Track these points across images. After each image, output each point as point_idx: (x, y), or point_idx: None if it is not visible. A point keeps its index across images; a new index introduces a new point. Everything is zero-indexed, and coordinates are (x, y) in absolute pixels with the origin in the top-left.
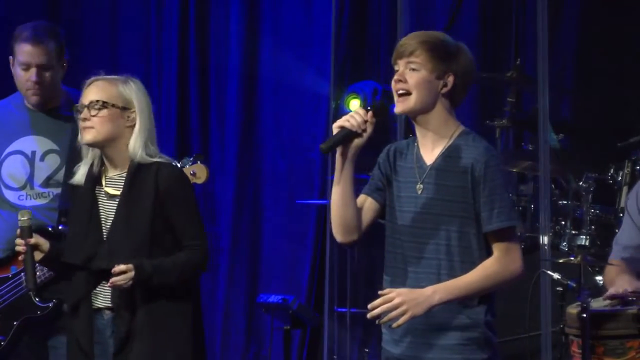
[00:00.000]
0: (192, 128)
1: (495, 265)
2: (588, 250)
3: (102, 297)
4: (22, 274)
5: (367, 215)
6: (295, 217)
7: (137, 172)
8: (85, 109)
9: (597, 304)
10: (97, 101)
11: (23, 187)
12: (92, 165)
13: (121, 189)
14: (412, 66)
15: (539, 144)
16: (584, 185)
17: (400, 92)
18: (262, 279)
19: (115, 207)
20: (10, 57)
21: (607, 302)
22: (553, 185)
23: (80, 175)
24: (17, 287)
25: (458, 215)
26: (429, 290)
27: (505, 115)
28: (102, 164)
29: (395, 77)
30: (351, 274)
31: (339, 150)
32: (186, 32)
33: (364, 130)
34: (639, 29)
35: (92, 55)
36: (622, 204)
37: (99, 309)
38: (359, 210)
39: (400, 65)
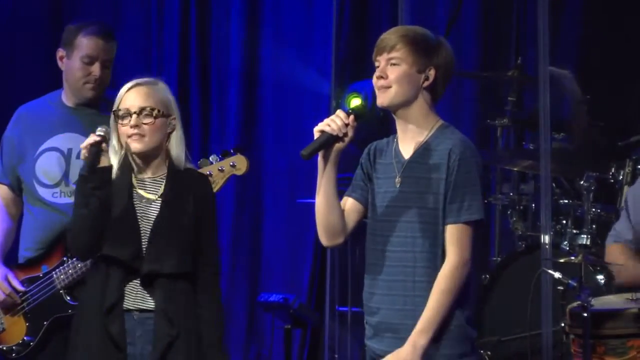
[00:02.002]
0: (193, 128)
1: (451, 269)
2: (589, 249)
3: (133, 298)
4: (53, 272)
5: (352, 217)
6: (296, 217)
7: (176, 178)
8: (135, 116)
9: (618, 298)
10: (152, 109)
11: (57, 184)
12: (121, 165)
13: (158, 193)
14: (393, 61)
15: (540, 143)
16: (585, 184)
17: (382, 89)
18: (262, 278)
19: (151, 210)
20: (61, 50)
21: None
22: (554, 184)
23: (108, 161)
24: (48, 286)
25: (431, 207)
26: (408, 346)
27: (506, 114)
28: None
29: (377, 73)
30: (352, 273)
31: (320, 154)
32: (187, 32)
33: (345, 134)
34: None
35: None
36: (623, 203)
37: (129, 310)
38: (343, 213)
39: (382, 61)
